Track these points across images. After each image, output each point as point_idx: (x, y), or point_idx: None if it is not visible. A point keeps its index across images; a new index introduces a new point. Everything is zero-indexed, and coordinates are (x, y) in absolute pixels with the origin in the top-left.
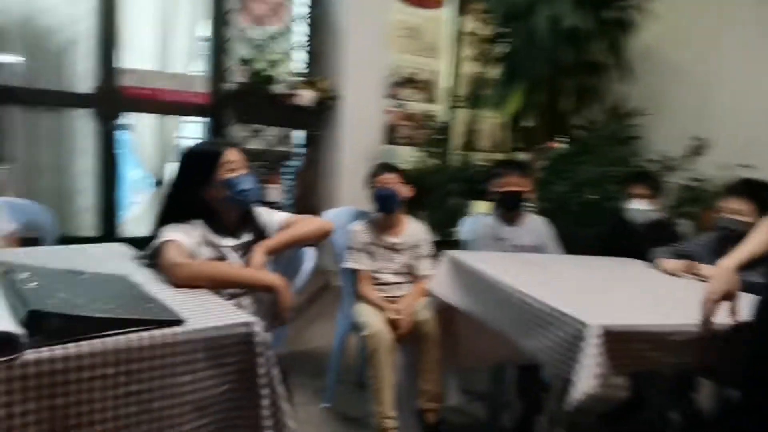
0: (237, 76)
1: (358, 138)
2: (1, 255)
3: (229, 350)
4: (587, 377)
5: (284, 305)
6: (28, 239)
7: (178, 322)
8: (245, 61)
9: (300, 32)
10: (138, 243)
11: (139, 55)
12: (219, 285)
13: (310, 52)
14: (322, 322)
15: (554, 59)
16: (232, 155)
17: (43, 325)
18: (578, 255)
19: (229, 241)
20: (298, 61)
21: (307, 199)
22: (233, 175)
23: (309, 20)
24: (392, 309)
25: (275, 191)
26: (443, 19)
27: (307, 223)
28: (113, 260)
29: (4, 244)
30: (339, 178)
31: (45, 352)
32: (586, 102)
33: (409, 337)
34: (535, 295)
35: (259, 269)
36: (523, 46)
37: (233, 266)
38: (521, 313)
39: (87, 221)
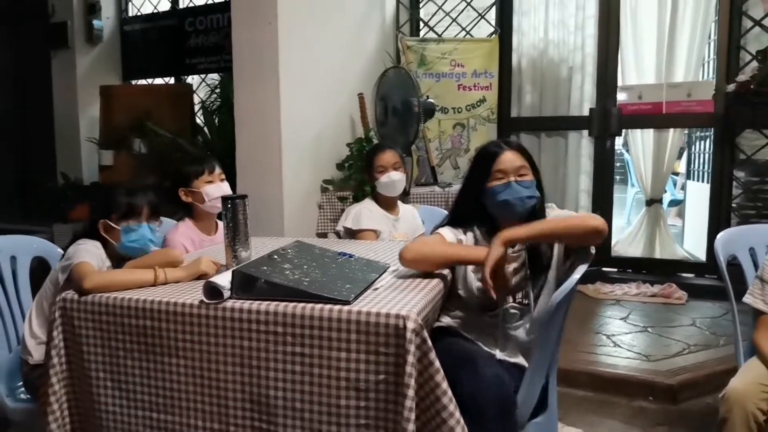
0: (749, 77)
1: None
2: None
3: (385, 339)
4: None
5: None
6: None
7: (345, 302)
8: (764, 56)
9: None
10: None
11: (639, 71)
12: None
13: None
14: None
15: None
16: (508, 159)
17: (250, 286)
18: None
19: None
20: None
21: None
22: (498, 183)
23: None
24: None
25: None
26: None
27: (571, 218)
28: None
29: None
30: None
31: (238, 303)
32: None
33: None
34: None
35: (491, 262)
36: None
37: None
38: None
39: None
